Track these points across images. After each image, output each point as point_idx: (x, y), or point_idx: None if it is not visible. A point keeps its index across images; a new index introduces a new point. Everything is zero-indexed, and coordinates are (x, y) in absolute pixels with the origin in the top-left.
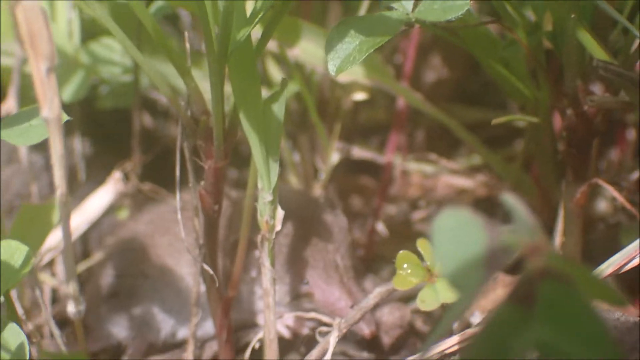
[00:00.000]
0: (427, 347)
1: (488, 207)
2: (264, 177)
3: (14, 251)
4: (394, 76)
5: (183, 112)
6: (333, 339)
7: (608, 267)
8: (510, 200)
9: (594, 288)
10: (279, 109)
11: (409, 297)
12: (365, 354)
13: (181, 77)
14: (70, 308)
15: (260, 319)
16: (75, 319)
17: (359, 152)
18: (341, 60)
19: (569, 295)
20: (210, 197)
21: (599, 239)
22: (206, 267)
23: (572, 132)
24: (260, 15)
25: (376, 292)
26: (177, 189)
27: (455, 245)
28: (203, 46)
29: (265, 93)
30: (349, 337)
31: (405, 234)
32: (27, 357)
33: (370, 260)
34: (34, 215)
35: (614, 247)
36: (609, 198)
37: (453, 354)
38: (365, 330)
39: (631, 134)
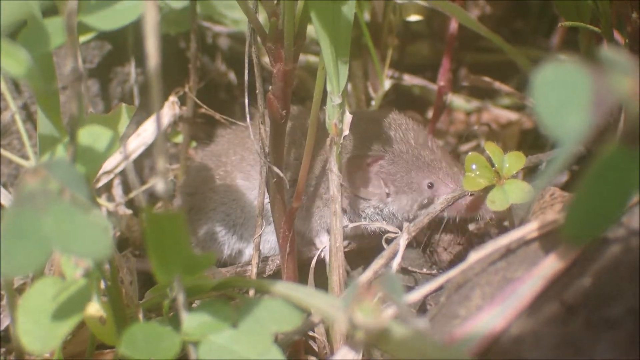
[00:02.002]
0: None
1: (534, 139)
2: (333, 79)
3: (98, 136)
4: None
5: (252, 14)
6: (403, 241)
7: None
8: (609, 52)
9: None
10: (348, 10)
11: None
12: (425, 270)
13: None
14: (160, 186)
15: (319, 241)
16: (164, 197)
17: (410, 80)
18: None
19: None
20: (278, 102)
21: None
22: (275, 169)
23: (637, 37)
24: None
25: (442, 199)
26: (245, 92)
27: (557, 96)
28: None
29: None
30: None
31: None
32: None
33: None
34: (101, 124)
35: None
36: None
37: (533, 240)
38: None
39: None
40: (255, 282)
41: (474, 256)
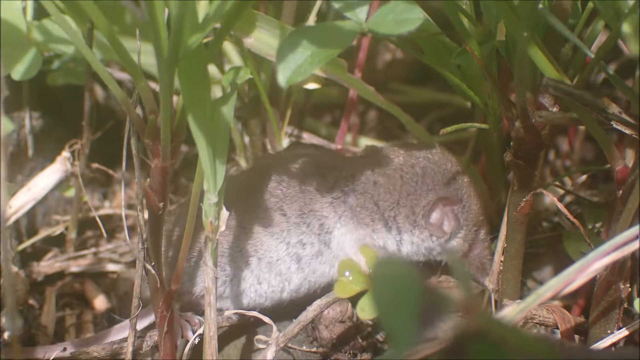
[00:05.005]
0: None
1: None
2: (210, 179)
3: None
4: (346, 68)
5: (131, 109)
6: (270, 353)
7: (546, 290)
8: (452, 255)
9: (525, 346)
10: (228, 112)
11: None
12: (305, 348)
13: (131, 76)
14: (8, 325)
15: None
16: (12, 335)
17: (309, 138)
18: (291, 72)
19: (498, 356)
20: (155, 195)
21: (542, 240)
22: (149, 266)
23: (519, 143)
24: (212, 24)
25: (315, 305)
26: (122, 186)
27: (391, 295)
28: None
29: (219, 76)
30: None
31: None
32: None
33: None
34: None
35: (557, 250)
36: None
37: None
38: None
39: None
40: None
41: None
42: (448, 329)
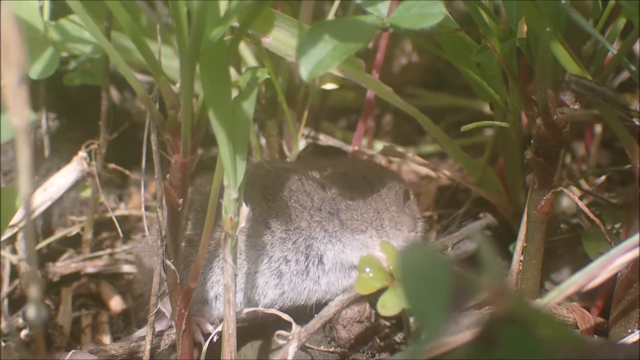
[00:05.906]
0: None
1: (451, 195)
2: (230, 174)
3: None
4: (364, 68)
5: (152, 105)
6: (292, 349)
7: (570, 285)
8: (480, 239)
9: (552, 330)
10: (248, 107)
11: None
12: (323, 347)
13: (151, 71)
14: (32, 313)
15: (216, 309)
16: (35, 324)
17: (326, 140)
18: (313, 66)
19: (529, 340)
20: (175, 191)
21: (561, 241)
22: (168, 262)
23: (540, 141)
24: (234, 17)
25: (337, 301)
26: (142, 184)
27: (420, 282)
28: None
29: (235, 76)
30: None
31: None
32: None
33: None
34: None
35: (576, 251)
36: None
37: None
38: None
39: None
40: None
41: None
42: (477, 316)
